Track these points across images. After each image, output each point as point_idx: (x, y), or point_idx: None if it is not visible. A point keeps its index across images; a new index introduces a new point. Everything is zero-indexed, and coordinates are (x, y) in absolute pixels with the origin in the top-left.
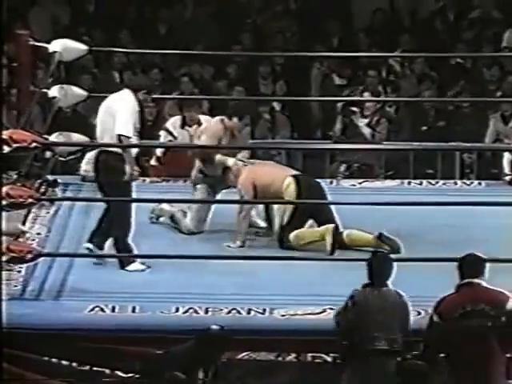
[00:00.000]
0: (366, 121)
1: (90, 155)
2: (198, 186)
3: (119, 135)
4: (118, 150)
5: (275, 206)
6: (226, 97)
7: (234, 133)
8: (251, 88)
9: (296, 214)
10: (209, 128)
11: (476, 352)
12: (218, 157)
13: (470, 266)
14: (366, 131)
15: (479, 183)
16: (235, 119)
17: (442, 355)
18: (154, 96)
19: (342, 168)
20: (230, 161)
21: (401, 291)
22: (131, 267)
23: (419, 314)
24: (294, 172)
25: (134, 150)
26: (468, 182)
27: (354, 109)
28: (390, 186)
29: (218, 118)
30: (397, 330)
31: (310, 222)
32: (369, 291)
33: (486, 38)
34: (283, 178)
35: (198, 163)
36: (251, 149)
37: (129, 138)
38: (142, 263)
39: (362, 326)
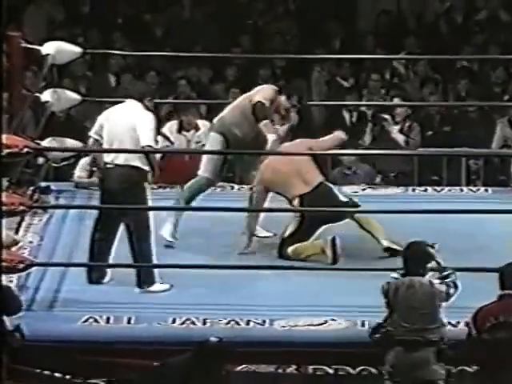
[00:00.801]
0: (398, 127)
1: (84, 161)
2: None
3: (147, 146)
4: (144, 166)
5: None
6: (224, 100)
7: (279, 109)
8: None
9: (301, 228)
10: (262, 90)
11: (504, 364)
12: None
13: (510, 276)
14: (400, 138)
15: (486, 190)
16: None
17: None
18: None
19: (378, 178)
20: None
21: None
22: (154, 288)
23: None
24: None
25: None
26: (474, 189)
27: (386, 116)
28: (393, 193)
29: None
30: (430, 320)
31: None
32: (401, 281)
33: (494, 40)
34: (297, 187)
35: None
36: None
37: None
38: (162, 281)
39: (393, 315)
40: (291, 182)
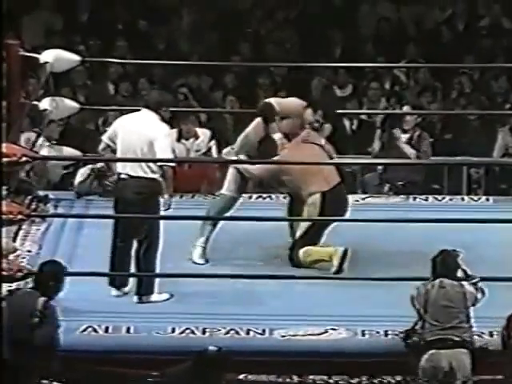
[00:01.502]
0: (407, 136)
1: (83, 171)
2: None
3: (162, 166)
4: (159, 178)
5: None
6: (222, 109)
7: (304, 123)
8: (250, 99)
9: (313, 229)
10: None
11: None
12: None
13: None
14: (410, 152)
15: (487, 199)
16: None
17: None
18: None
19: (386, 187)
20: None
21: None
22: (153, 298)
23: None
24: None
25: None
26: (475, 198)
27: (394, 130)
28: (394, 202)
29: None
30: (462, 319)
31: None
32: (430, 284)
33: (497, 48)
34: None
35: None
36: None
37: (172, 166)
38: (160, 291)
39: (426, 315)
40: (309, 179)
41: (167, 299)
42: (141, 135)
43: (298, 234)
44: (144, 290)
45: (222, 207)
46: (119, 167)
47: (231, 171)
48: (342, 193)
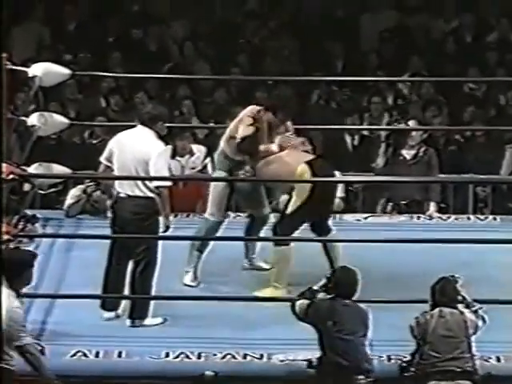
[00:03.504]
0: (413, 152)
1: (74, 192)
2: (217, 173)
3: (158, 186)
4: (157, 198)
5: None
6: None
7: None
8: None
9: (302, 208)
10: (243, 121)
11: None
12: (262, 147)
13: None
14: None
15: (494, 218)
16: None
17: None
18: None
19: (389, 206)
20: (274, 146)
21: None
22: (147, 322)
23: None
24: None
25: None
26: (482, 217)
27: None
28: (397, 221)
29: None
30: (463, 349)
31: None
32: (429, 313)
33: (504, 62)
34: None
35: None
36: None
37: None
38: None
39: (424, 348)
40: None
41: (161, 323)
42: (135, 154)
43: (289, 209)
44: (137, 314)
45: (207, 233)
46: (116, 186)
47: (213, 193)
48: (325, 168)
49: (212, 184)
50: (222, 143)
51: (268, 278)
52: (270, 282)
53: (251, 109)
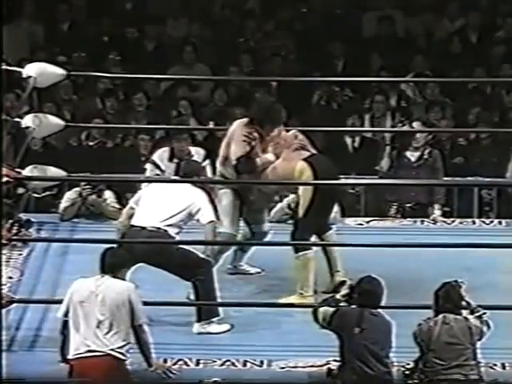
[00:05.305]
0: (417, 154)
1: (70, 195)
2: (223, 190)
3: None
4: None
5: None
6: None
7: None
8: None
9: (314, 204)
10: (236, 141)
11: None
12: (259, 160)
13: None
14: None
15: (499, 222)
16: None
17: None
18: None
19: (393, 210)
20: (270, 156)
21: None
22: (213, 329)
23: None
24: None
25: None
26: (487, 221)
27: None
28: (401, 225)
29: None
30: (468, 356)
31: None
32: (432, 320)
33: (510, 61)
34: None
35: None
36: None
37: None
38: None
39: (427, 355)
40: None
41: (228, 330)
42: (177, 194)
43: (301, 212)
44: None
45: (221, 248)
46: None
47: (224, 206)
48: (325, 163)
49: (220, 197)
50: (219, 166)
51: (293, 285)
52: (296, 289)
53: (238, 125)
